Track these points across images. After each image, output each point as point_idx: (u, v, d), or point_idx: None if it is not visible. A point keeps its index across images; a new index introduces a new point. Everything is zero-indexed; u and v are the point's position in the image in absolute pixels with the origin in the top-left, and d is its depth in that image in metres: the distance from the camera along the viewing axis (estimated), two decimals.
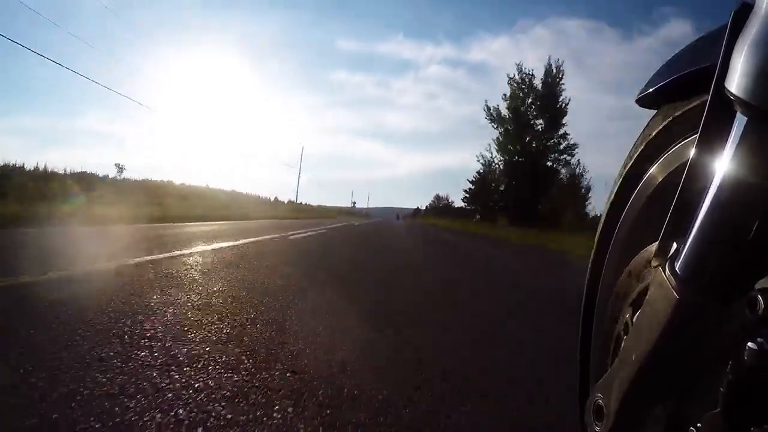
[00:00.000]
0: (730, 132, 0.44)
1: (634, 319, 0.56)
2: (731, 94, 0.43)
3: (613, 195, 0.73)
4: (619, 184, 0.73)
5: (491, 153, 35.01)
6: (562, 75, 32.54)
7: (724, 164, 0.44)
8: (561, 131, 32.39)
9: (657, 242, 0.52)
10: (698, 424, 0.44)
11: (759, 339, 0.38)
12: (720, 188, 0.44)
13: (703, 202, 0.45)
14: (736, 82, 0.43)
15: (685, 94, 0.61)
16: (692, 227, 0.46)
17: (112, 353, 1.55)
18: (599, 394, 0.54)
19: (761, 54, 0.41)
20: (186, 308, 2.31)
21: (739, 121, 0.43)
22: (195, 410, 1.18)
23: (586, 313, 0.73)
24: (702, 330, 0.43)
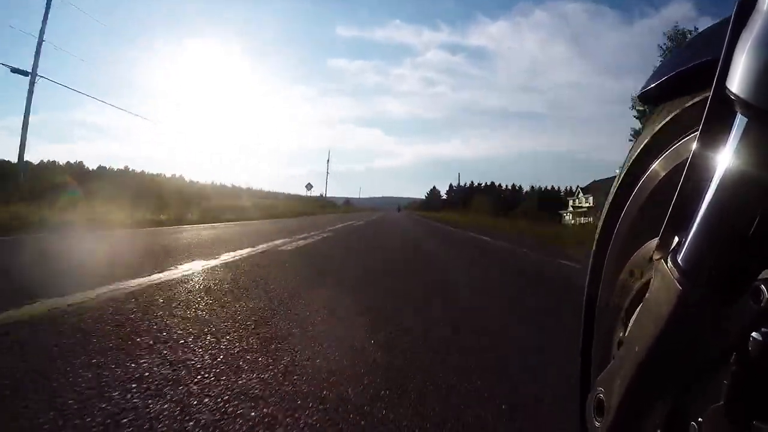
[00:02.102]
0: (730, 131, 0.44)
1: (635, 313, 0.56)
2: (732, 93, 0.43)
3: (615, 191, 0.73)
4: (620, 180, 0.73)
5: None
6: None
7: (724, 163, 0.44)
8: None
9: (659, 236, 0.52)
10: (700, 419, 0.44)
11: (764, 330, 0.38)
12: (721, 184, 0.44)
13: (705, 194, 0.45)
14: (736, 81, 0.43)
15: (687, 90, 0.61)
16: (694, 219, 0.45)
17: None
18: (600, 389, 0.53)
19: (762, 54, 0.41)
20: None
21: (740, 121, 0.43)
22: None
23: (587, 307, 0.73)
24: (705, 322, 0.43)
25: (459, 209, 52.45)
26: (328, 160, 67.96)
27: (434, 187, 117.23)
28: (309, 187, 44.87)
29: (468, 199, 66.22)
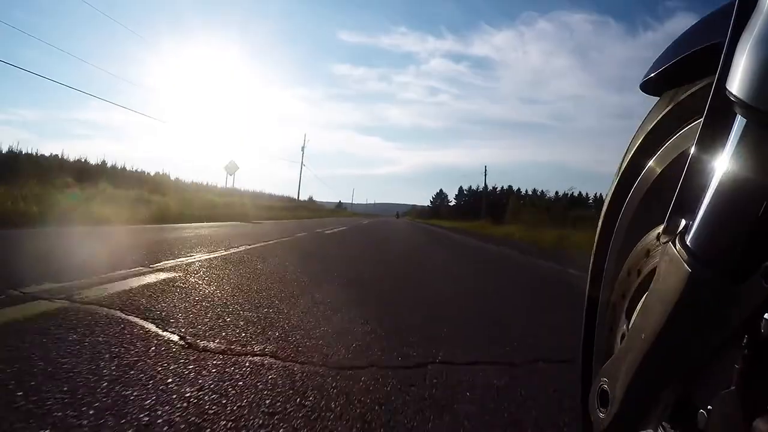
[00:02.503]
0: (730, 131, 0.44)
1: (641, 302, 0.54)
2: (731, 94, 0.43)
3: (616, 182, 0.72)
4: (620, 173, 0.72)
5: None
6: None
7: (723, 164, 0.43)
8: None
9: (663, 223, 0.51)
10: (709, 407, 0.42)
11: None
12: (723, 180, 0.43)
13: (713, 176, 0.45)
14: (735, 82, 0.42)
15: (689, 77, 0.61)
16: (702, 200, 0.45)
17: None
18: (604, 378, 0.52)
19: (760, 56, 0.41)
20: None
21: (739, 121, 0.43)
22: None
23: (589, 301, 0.72)
24: (715, 304, 0.41)
25: (486, 219, 31.65)
26: (303, 147, 48.65)
27: (441, 191, 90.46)
28: (232, 168, 22.64)
29: (500, 205, 44.84)
